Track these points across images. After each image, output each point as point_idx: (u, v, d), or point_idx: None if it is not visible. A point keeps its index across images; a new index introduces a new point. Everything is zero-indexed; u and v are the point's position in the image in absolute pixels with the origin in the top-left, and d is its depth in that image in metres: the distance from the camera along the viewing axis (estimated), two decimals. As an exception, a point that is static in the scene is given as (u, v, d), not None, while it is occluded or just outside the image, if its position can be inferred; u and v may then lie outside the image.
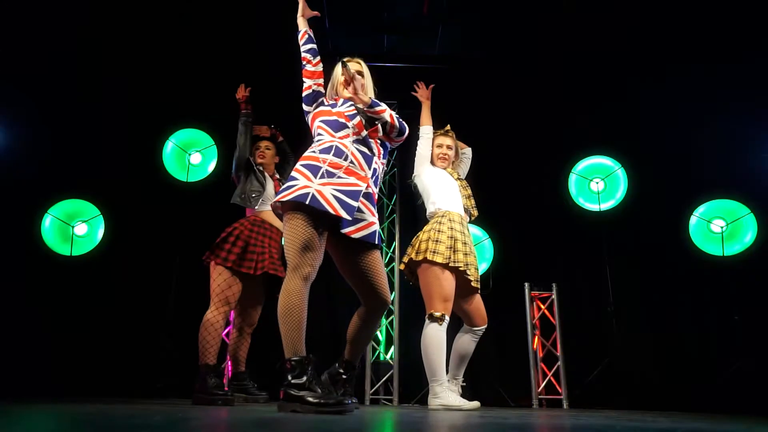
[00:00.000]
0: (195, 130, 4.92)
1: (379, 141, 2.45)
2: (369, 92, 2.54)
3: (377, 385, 4.65)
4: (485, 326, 3.20)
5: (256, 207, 3.41)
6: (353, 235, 2.28)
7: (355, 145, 2.35)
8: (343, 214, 2.16)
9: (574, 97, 5.17)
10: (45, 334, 4.38)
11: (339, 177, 2.24)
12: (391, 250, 5.11)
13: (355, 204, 2.21)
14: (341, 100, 2.51)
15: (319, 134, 2.42)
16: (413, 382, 4.50)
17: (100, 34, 4.77)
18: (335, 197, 2.18)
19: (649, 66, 4.95)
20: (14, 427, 1.26)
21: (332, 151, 2.31)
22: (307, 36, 2.63)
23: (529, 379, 4.32)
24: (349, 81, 2.48)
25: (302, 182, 2.22)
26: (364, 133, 2.38)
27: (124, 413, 1.79)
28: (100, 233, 4.68)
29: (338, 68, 2.62)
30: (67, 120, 4.92)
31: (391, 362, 4.70)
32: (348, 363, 2.46)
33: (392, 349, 4.72)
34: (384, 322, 4.87)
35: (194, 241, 4.73)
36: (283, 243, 2.27)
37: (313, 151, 2.34)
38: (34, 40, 4.67)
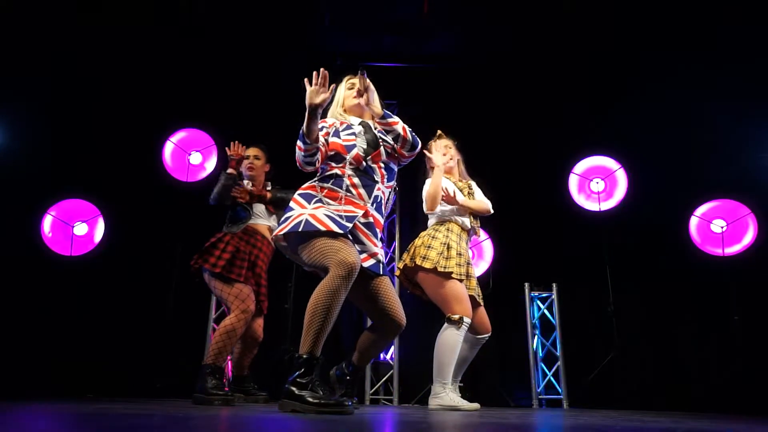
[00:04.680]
0: (195, 130, 4.92)
1: (383, 165, 2.38)
2: (377, 105, 2.46)
3: (377, 385, 4.65)
4: (489, 334, 3.19)
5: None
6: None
7: (354, 174, 2.30)
8: (335, 229, 2.12)
9: (574, 96, 5.17)
10: (45, 334, 4.38)
11: (334, 206, 2.22)
12: (391, 250, 5.11)
13: (348, 225, 2.17)
14: (343, 126, 2.42)
15: (322, 165, 2.38)
16: (413, 383, 4.50)
17: (100, 33, 4.77)
18: (328, 216, 2.15)
19: (649, 66, 4.94)
20: (14, 427, 1.26)
21: (331, 181, 2.28)
22: (314, 150, 2.25)
23: (529, 379, 4.32)
24: (362, 92, 2.42)
25: (297, 211, 2.20)
26: (364, 164, 2.32)
27: (123, 413, 1.79)
28: (100, 233, 4.68)
29: (343, 85, 2.57)
30: (67, 120, 4.92)
31: (391, 362, 4.70)
32: (355, 367, 2.46)
33: (392, 349, 4.71)
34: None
35: (194, 241, 4.74)
36: (308, 266, 2.22)
37: (313, 181, 2.34)
38: (35, 39, 4.67)
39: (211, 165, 4.89)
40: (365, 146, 2.34)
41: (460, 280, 3.04)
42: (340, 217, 2.18)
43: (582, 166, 4.90)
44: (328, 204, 2.23)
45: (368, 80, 2.43)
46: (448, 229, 3.18)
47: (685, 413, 3.30)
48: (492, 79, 5.24)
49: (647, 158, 4.84)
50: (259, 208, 3.46)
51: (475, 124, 4.62)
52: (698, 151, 4.70)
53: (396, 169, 2.49)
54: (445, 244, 3.10)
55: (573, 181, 4.91)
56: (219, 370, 3.09)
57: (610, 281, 4.62)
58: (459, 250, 3.12)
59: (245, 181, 3.52)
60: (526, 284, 4.52)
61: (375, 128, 2.44)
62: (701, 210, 4.51)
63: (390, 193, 2.48)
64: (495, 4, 4.65)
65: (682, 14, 4.53)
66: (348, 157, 2.31)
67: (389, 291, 2.33)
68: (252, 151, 3.56)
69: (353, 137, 2.36)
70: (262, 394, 3.46)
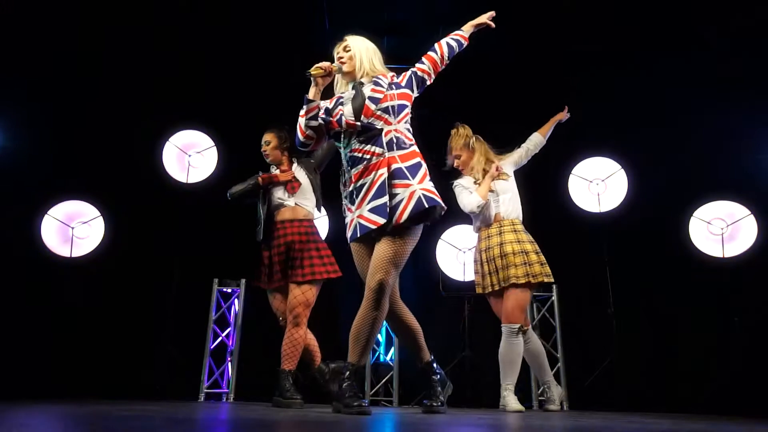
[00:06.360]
0: (195, 132, 4.91)
1: (379, 111, 2.38)
2: (365, 62, 2.52)
3: (377, 387, 4.64)
4: (509, 324, 3.25)
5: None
6: (401, 219, 2.27)
7: (357, 140, 2.37)
8: (378, 220, 2.28)
9: (574, 96, 5.16)
10: (45, 335, 4.38)
11: (361, 190, 2.34)
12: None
13: (383, 201, 2.27)
14: (333, 102, 2.50)
15: (337, 150, 2.56)
16: (413, 384, 4.49)
17: (100, 34, 4.77)
18: (364, 216, 2.31)
19: (649, 66, 4.94)
20: (14, 427, 1.26)
21: (348, 164, 2.42)
22: (314, 110, 2.48)
23: (529, 380, 4.32)
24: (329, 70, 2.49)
25: (348, 216, 2.43)
26: (359, 124, 2.36)
27: (123, 414, 1.79)
28: (101, 235, 4.67)
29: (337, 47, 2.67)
30: (68, 121, 4.92)
31: (391, 364, 4.69)
32: (352, 365, 2.37)
33: (392, 350, 4.71)
34: (384, 323, 4.85)
35: (194, 242, 4.75)
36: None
37: (341, 175, 2.49)
38: (35, 40, 4.67)
39: (211, 167, 4.88)
40: (350, 111, 2.39)
41: (487, 292, 3.39)
42: (373, 210, 2.31)
43: (582, 167, 4.89)
44: (359, 191, 2.36)
45: (330, 64, 2.52)
46: (478, 239, 3.50)
47: (685, 415, 3.29)
48: (491, 79, 5.23)
49: (647, 159, 4.83)
50: (277, 193, 3.44)
51: (473, 124, 4.60)
52: (698, 151, 4.70)
53: (381, 129, 2.38)
54: (476, 263, 3.47)
55: (573, 183, 4.90)
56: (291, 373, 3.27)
57: (610, 282, 4.61)
58: (482, 258, 3.41)
59: (272, 168, 3.56)
60: (526, 285, 4.50)
61: (376, 82, 2.48)
62: (701, 211, 4.50)
63: (407, 120, 2.46)
64: (494, 4, 4.64)
65: (682, 14, 4.53)
66: (341, 128, 2.41)
67: (378, 250, 2.31)
68: (265, 136, 3.56)
69: (340, 107, 2.44)
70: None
